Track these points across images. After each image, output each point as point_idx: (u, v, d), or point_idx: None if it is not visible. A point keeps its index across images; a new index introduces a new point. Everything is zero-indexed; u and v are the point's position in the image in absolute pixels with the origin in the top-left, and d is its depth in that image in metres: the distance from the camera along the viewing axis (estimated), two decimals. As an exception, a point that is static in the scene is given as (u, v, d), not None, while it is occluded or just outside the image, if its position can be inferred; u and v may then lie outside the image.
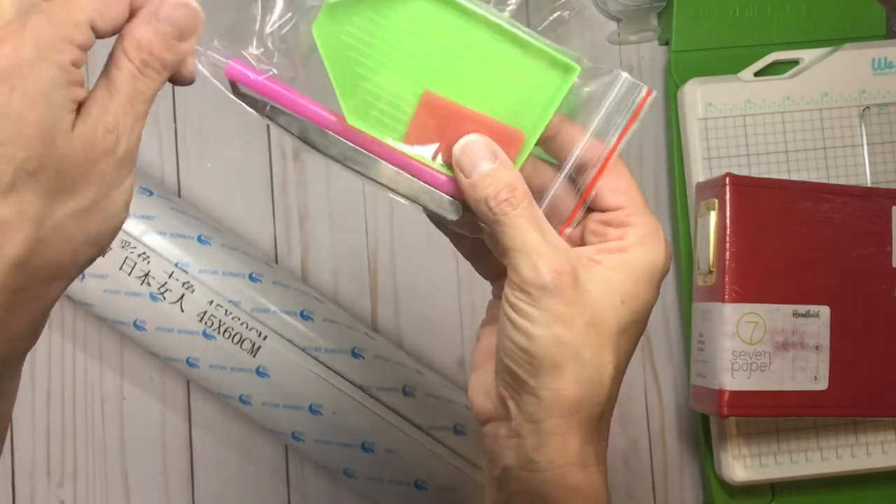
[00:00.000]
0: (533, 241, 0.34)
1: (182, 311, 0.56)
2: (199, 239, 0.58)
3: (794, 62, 0.65)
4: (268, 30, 0.35)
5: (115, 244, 0.56)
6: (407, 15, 0.35)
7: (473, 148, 0.35)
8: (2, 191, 0.29)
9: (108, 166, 0.31)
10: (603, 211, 0.37)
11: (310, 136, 0.36)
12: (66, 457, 0.65)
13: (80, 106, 0.31)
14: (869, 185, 0.64)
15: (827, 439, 0.63)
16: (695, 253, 0.61)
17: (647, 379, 0.68)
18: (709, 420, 0.64)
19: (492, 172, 0.35)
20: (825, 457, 0.63)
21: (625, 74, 0.38)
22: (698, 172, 0.64)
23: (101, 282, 0.56)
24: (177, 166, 0.67)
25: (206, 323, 0.56)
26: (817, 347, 0.58)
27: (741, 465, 0.62)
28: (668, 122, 0.68)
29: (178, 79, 0.34)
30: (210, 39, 0.35)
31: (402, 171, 0.36)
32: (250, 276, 0.58)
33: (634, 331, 0.36)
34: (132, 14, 0.32)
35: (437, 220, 0.38)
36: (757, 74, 0.65)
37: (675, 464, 0.68)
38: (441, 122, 0.36)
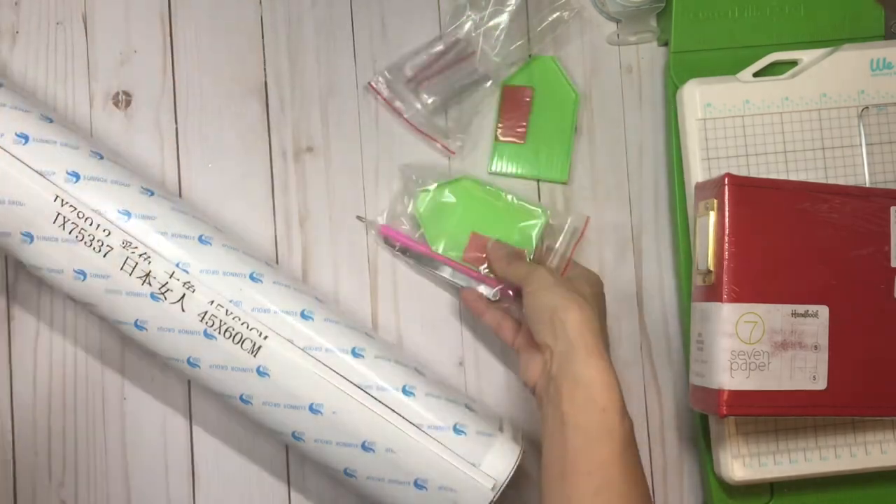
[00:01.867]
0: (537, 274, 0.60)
1: (183, 310, 0.56)
2: (199, 239, 0.58)
3: (793, 63, 0.66)
4: (398, 209, 0.67)
5: (117, 244, 0.56)
6: (458, 193, 0.67)
7: (497, 244, 0.66)
8: None
9: None
10: None
11: (421, 261, 0.67)
12: (68, 456, 0.65)
13: None
14: (868, 185, 0.64)
15: (826, 439, 0.63)
16: (694, 253, 0.61)
17: (646, 378, 0.69)
18: (708, 419, 0.64)
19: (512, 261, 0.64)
20: (824, 456, 0.63)
21: (573, 223, 0.67)
22: (697, 173, 0.64)
23: (103, 282, 0.56)
24: (178, 166, 0.67)
25: (206, 323, 0.56)
26: (816, 347, 0.58)
27: (740, 464, 0.62)
28: (668, 122, 0.68)
29: None
30: (377, 217, 0.67)
31: (466, 276, 0.67)
32: (251, 276, 0.58)
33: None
34: None
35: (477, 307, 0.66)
36: (756, 75, 0.65)
37: (674, 463, 0.68)
38: (482, 247, 0.66)
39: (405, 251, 0.67)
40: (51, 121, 0.58)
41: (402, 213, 0.67)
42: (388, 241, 0.67)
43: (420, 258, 0.67)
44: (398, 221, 0.67)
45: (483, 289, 0.66)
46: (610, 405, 0.53)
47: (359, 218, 0.67)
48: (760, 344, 0.57)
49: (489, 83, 0.67)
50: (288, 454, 0.66)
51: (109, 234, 0.56)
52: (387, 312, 0.67)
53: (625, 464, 0.52)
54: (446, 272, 0.66)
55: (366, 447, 0.57)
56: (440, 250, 0.66)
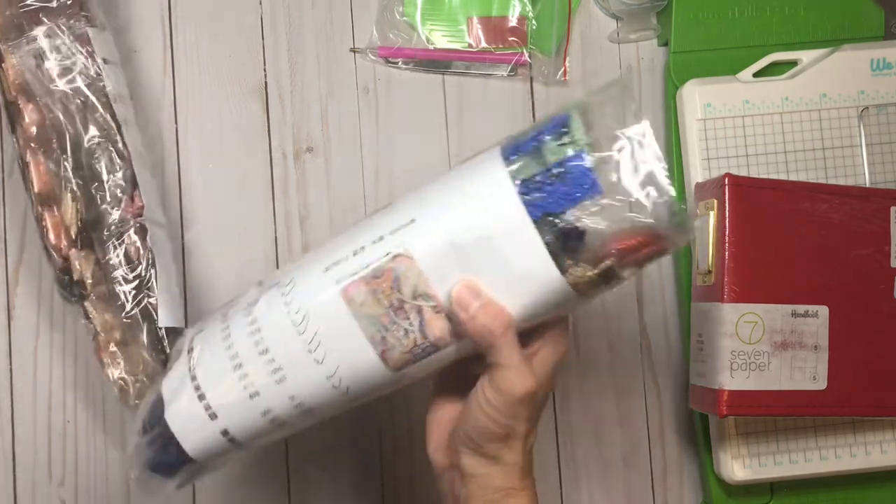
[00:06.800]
0: (514, 360, 0.45)
1: None
2: None
3: (793, 63, 0.66)
4: (386, 26, 0.67)
5: None
6: None
7: (463, 293, 0.45)
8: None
9: None
10: None
11: (430, 66, 0.67)
12: (67, 456, 0.65)
13: None
14: (867, 185, 0.65)
15: (826, 439, 0.63)
16: (694, 253, 0.61)
17: (646, 379, 0.69)
18: (708, 419, 0.64)
19: (483, 307, 0.44)
20: (824, 456, 0.63)
21: None
22: (697, 173, 0.64)
23: None
24: (178, 167, 0.67)
25: None
26: (816, 347, 0.59)
27: (740, 464, 0.62)
28: (668, 122, 0.68)
29: None
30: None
31: (480, 62, 0.67)
32: None
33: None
34: None
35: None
36: (756, 75, 0.65)
37: (674, 463, 0.68)
38: (489, 28, 0.67)
39: (409, 62, 0.67)
40: None
41: (393, 25, 0.67)
42: (390, 60, 0.67)
43: (428, 64, 0.67)
44: (391, 40, 0.67)
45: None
46: None
47: (353, 50, 0.67)
48: (760, 344, 0.58)
49: None
50: (288, 454, 0.66)
51: None
52: (387, 312, 0.67)
53: None
54: (460, 66, 0.67)
55: None
56: (444, 45, 0.67)
